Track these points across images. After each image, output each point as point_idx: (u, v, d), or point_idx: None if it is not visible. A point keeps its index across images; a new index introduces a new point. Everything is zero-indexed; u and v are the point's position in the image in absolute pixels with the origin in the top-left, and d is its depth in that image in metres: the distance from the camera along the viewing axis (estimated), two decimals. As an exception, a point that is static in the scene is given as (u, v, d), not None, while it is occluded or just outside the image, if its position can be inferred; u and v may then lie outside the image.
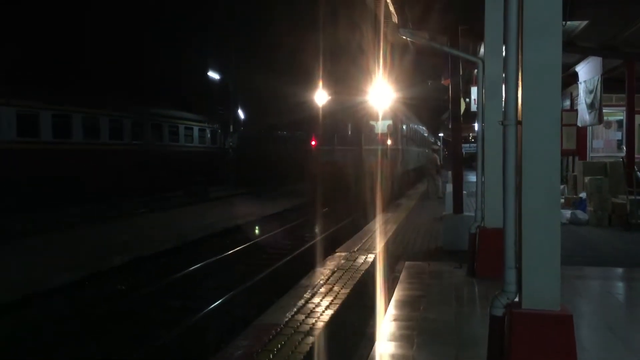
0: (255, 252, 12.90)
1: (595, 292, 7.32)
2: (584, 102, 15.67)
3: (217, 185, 27.90)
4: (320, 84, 19.60)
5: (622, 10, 10.49)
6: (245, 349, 4.32)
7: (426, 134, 40.21)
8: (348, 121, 20.12)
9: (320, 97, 19.45)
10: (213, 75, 33.39)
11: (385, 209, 16.19)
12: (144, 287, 9.49)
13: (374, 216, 14.29)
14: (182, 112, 26.74)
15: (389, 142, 19.67)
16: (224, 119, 30.98)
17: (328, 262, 7.84)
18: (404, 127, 23.02)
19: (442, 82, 17.03)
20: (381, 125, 19.73)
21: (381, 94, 17.68)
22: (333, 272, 7.09)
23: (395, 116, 20.25)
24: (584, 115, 15.73)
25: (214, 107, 32.00)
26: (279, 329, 4.79)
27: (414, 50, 13.57)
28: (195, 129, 27.46)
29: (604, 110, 15.55)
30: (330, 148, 19.77)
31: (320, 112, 19.32)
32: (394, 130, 20.07)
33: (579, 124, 16.17)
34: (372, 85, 17.38)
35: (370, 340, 5.51)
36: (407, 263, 8.98)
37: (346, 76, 22.11)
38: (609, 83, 15.40)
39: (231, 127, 30.90)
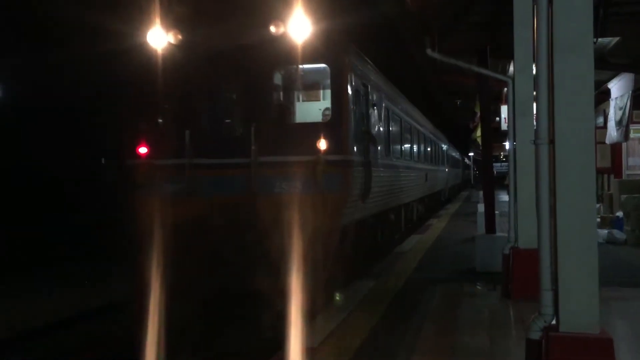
0: None
1: (635, 313, 7.09)
2: (613, 119, 15.56)
3: None
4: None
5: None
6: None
7: (444, 145, 28.28)
8: (226, 96, 8.82)
9: (156, 39, 7.85)
10: None
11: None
12: None
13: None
14: None
15: (324, 146, 7.71)
16: None
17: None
18: (382, 117, 11.02)
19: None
20: (307, 109, 9.59)
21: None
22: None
23: (349, 87, 8.33)
24: (611, 132, 15.66)
25: None
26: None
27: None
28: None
29: (638, 127, 15.30)
30: (180, 164, 7.99)
31: (159, 77, 7.92)
32: (347, 121, 8.21)
33: (607, 141, 16.09)
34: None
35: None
36: (440, 285, 8.85)
37: None
38: (643, 99, 15.17)
39: None
